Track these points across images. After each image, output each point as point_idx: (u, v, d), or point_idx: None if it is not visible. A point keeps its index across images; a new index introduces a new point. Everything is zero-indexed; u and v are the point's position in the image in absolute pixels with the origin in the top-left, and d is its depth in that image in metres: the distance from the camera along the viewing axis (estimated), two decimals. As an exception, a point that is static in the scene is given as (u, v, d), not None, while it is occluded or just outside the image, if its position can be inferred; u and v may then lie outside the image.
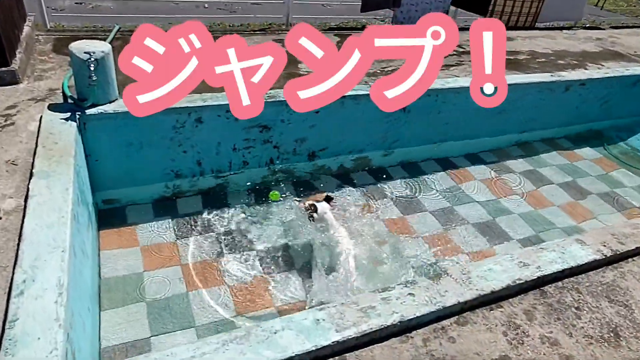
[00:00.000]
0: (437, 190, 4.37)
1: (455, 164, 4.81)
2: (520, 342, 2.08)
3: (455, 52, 5.83)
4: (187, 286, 3.06)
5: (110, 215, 3.56)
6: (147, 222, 3.56)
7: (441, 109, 4.58)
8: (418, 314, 2.04)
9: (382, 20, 6.96)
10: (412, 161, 4.80)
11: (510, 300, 2.28)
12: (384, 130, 4.50)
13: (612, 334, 2.17)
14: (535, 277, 2.32)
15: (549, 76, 5.11)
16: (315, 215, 3.37)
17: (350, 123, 4.26)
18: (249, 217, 3.73)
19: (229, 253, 3.37)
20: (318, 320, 1.97)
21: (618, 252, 2.58)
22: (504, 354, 2.01)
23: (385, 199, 4.17)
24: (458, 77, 4.96)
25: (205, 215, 3.71)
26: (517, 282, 2.28)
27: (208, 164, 3.90)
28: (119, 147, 3.48)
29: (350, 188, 4.25)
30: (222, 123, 3.72)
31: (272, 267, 3.30)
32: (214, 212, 3.75)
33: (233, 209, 3.81)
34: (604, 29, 8.24)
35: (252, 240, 3.51)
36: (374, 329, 1.95)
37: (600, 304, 2.32)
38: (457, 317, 2.15)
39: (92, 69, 3.04)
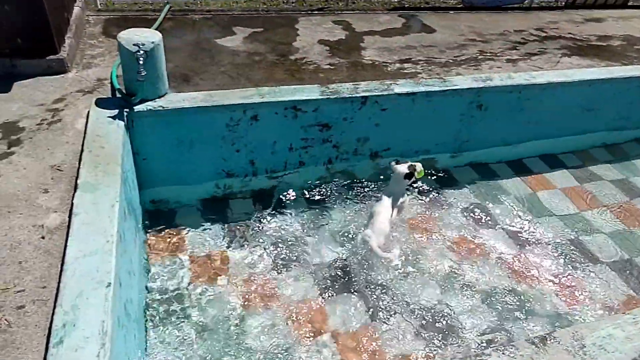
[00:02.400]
0: (511, 200, 3.85)
1: (530, 169, 4.26)
2: None
3: (536, 37, 5.16)
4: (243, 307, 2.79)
5: (158, 217, 3.34)
6: (196, 225, 3.31)
7: (524, 106, 4.02)
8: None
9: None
10: (482, 163, 4.29)
11: (634, 377, 1.85)
12: (455, 130, 4.01)
13: None
14: (667, 350, 1.87)
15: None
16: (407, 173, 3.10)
17: (420, 121, 3.81)
18: (306, 225, 3.41)
19: (283, 269, 3.07)
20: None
21: None
22: None
23: (450, 209, 3.71)
24: (542, 68, 4.35)
25: (257, 219, 3.42)
26: (644, 355, 1.84)
27: (262, 163, 3.59)
28: (168, 145, 3.22)
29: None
30: (280, 121, 3.38)
31: (329, 287, 2.98)
32: (269, 216, 3.44)
33: (286, 208, 3.50)
34: None
35: (308, 252, 3.19)
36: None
37: None
38: (568, 398, 1.75)
39: (141, 62, 2.75)
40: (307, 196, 3.67)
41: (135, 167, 3.11)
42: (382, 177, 3.82)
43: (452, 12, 5.79)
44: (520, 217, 3.68)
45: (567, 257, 3.34)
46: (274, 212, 3.49)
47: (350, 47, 4.44)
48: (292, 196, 3.65)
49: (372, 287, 2.95)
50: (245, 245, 3.20)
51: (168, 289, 2.84)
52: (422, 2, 6.03)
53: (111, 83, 3.12)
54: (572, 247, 3.44)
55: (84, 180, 2.35)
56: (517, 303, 2.94)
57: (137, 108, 2.97)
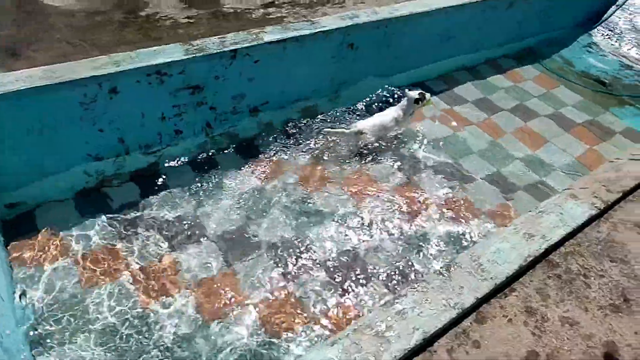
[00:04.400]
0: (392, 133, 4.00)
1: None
2: (542, 330, 1.93)
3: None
4: (139, 301, 2.56)
5: (19, 223, 2.84)
6: (73, 223, 2.89)
7: (391, 40, 4.10)
8: (439, 325, 1.78)
9: None
10: (361, 101, 4.35)
11: (522, 280, 2.10)
12: (330, 73, 3.97)
13: (622, 300, 2.10)
14: (543, 250, 2.15)
15: (493, -8, 4.74)
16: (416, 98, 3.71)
17: (294, 69, 3.68)
18: (197, 197, 3.18)
19: (184, 249, 2.86)
20: None
21: (609, 202, 2.48)
22: (530, 348, 1.85)
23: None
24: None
25: (144, 203, 3.09)
26: (527, 259, 2.09)
27: (133, 140, 3.21)
28: (15, 137, 2.70)
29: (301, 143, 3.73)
30: (144, 90, 3.00)
31: (236, 256, 2.87)
32: (154, 197, 3.13)
33: (176, 189, 3.21)
34: None
35: (207, 226, 3.01)
36: (397, 356, 1.66)
37: (604, 266, 2.23)
38: (475, 313, 1.93)
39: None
40: (193, 166, 3.40)
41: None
42: (269, 131, 3.70)
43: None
44: (402, 148, 3.86)
45: (450, 180, 3.61)
46: (160, 191, 3.18)
47: (206, -3, 4.04)
48: (177, 169, 3.36)
49: (278, 246, 2.92)
50: (136, 234, 2.89)
51: (58, 299, 2.48)
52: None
53: None
54: (452, 170, 3.72)
55: None
56: (415, 233, 3.13)
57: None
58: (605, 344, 1.91)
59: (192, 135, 3.45)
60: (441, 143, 3.96)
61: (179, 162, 3.39)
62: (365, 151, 3.71)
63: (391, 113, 3.74)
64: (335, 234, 3.05)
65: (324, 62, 3.85)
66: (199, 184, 3.26)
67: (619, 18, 6.00)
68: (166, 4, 3.83)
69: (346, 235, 3.05)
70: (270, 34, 3.44)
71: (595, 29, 5.92)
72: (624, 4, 5.96)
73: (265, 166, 3.47)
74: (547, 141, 4.22)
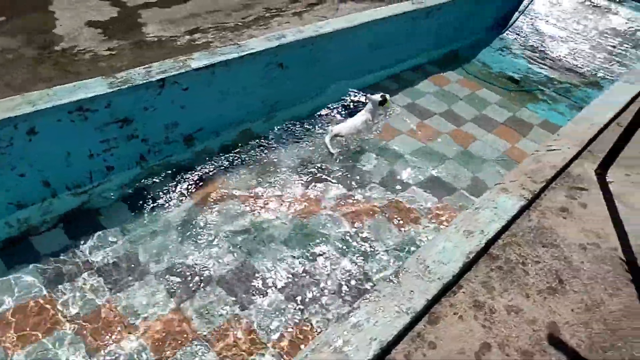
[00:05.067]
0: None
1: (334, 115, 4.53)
2: (491, 321, 2.01)
3: (312, -12, 5.36)
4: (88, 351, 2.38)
5: None
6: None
7: (319, 57, 4.19)
8: (395, 332, 1.81)
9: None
10: (296, 120, 4.38)
11: (467, 276, 2.18)
12: (262, 94, 3.98)
13: (557, 281, 2.24)
14: (483, 245, 2.26)
15: (410, 4, 5.01)
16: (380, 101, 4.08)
17: (225, 93, 3.65)
18: (135, 233, 3.04)
19: (126, 290, 2.71)
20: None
21: (535, 192, 2.66)
22: (482, 341, 1.92)
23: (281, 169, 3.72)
24: (326, 17, 4.57)
25: (77, 246, 2.90)
26: (470, 255, 2.18)
27: (59, 181, 3.03)
28: None
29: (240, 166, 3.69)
30: (67, 128, 2.85)
31: (184, 291, 2.76)
32: (88, 239, 2.95)
33: (111, 227, 3.05)
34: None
35: (148, 263, 2.87)
36: (357, 370, 1.67)
37: (538, 252, 2.38)
38: (427, 315, 1.98)
39: None
40: (129, 202, 3.25)
41: None
42: (206, 158, 3.62)
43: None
44: (339, 160, 3.92)
45: (387, 188, 3.69)
46: (94, 231, 3.00)
47: (127, 25, 3.94)
48: (111, 207, 3.19)
49: (226, 276, 2.84)
50: (70, 280, 2.70)
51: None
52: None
53: None
54: (389, 178, 3.82)
55: None
56: (362, 243, 3.17)
57: None
58: (548, 325, 2.02)
59: (125, 169, 3.31)
60: (375, 152, 4.06)
61: (113, 199, 3.24)
62: (310, 168, 3.72)
63: (361, 117, 4.07)
64: (283, 256, 3.01)
65: (254, 84, 3.85)
66: (137, 220, 3.12)
67: (523, 22, 6.53)
68: (83, 36, 3.69)
69: (295, 256, 3.03)
70: (198, 60, 3.40)
71: (505, 33, 6.42)
72: (525, 10, 6.52)
73: (205, 194, 3.39)
74: (476, 139, 4.46)
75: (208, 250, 2.99)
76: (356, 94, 4.34)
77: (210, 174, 3.55)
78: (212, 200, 3.34)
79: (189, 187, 3.41)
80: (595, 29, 6.25)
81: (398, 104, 4.82)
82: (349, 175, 3.74)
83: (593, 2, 6.48)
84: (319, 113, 4.38)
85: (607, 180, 2.93)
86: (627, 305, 2.16)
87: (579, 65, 5.92)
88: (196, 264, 2.90)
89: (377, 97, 4.11)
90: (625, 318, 2.10)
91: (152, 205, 3.22)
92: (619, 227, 2.58)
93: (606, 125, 3.42)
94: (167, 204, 3.25)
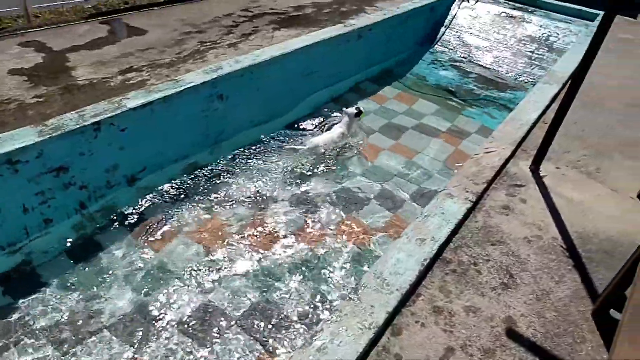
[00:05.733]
0: (281, 175, 4.06)
1: (283, 139, 4.55)
2: (452, 324, 2.05)
3: (245, 18, 5.43)
4: None
5: None
6: None
7: (258, 85, 4.22)
8: (360, 349, 1.80)
9: None
10: (241, 148, 4.35)
11: (424, 283, 2.23)
12: (204, 127, 3.94)
13: (508, 276, 2.33)
14: (436, 251, 2.31)
15: (342, 27, 5.18)
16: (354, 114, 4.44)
17: (165, 129, 3.59)
18: (81, 286, 2.86)
19: (78, 350, 2.53)
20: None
21: (478, 193, 2.78)
22: (445, 345, 1.95)
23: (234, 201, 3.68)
24: (262, 46, 4.62)
25: (15, 309, 2.70)
26: (424, 262, 2.23)
27: (-8, 241, 2.81)
28: None
29: (187, 201, 3.60)
30: (-5, 183, 2.67)
31: (143, 341, 2.62)
32: (28, 300, 2.75)
33: (54, 284, 2.86)
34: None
35: (101, 317, 2.71)
36: (327, 394, 1.64)
37: (487, 251, 2.47)
38: (390, 328, 1.99)
39: None
40: (72, 254, 3.07)
41: None
42: (152, 196, 3.51)
43: (157, 8, 5.54)
44: (292, 185, 3.92)
45: (337, 205, 3.73)
46: (34, 291, 2.80)
47: (55, 71, 3.79)
48: (52, 262, 3.00)
49: (186, 319, 2.74)
50: (9, 348, 2.49)
51: None
52: (122, 3, 5.57)
53: None
54: (342, 196, 3.87)
55: None
56: (319, 262, 3.17)
57: None
58: (505, 320, 2.09)
59: (64, 219, 3.15)
60: (327, 176, 4.10)
61: (54, 253, 3.05)
62: (259, 197, 3.70)
63: (338, 129, 4.39)
64: (243, 287, 2.95)
65: (196, 117, 3.82)
66: (81, 272, 2.95)
67: (450, 36, 6.92)
68: (7, 86, 3.51)
69: (254, 286, 2.97)
70: (134, 99, 3.33)
71: (435, 46, 6.77)
72: (450, 24, 6.92)
73: (154, 235, 3.27)
74: (418, 152, 4.62)
75: (164, 294, 2.87)
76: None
77: (158, 212, 3.44)
78: (161, 240, 3.23)
79: (138, 229, 3.28)
80: (514, 37, 6.73)
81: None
82: (300, 200, 3.75)
83: (508, 13, 6.99)
84: (267, 139, 4.40)
85: (541, 174, 3.11)
86: (574, 290, 2.28)
87: (504, 71, 6.33)
88: (153, 312, 2.76)
89: (353, 110, 4.46)
90: (573, 303, 2.21)
91: (98, 254, 3.06)
92: (557, 217, 2.74)
93: (534, 124, 3.65)
94: (114, 252, 3.10)
